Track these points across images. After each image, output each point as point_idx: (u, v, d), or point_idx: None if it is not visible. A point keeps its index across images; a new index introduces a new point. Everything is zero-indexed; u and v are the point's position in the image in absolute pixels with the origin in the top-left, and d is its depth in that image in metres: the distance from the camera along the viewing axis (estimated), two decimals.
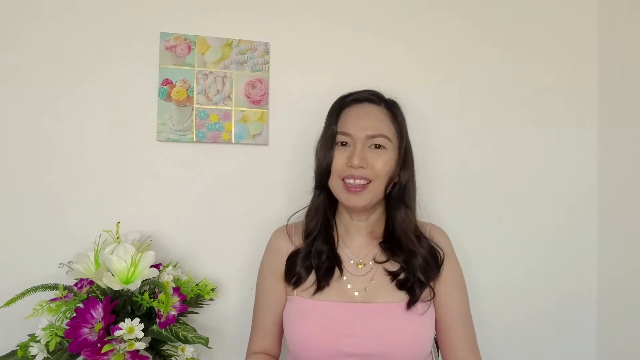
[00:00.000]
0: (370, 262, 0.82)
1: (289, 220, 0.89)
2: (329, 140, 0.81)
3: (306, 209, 0.88)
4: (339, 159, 0.79)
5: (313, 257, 0.81)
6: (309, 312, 0.78)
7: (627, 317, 1.09)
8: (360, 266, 0.82)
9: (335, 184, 0.80)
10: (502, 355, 1.12)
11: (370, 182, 0.78)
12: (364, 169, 0.77)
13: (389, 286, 0.79)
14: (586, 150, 1.19)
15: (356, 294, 0.79)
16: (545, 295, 1.16)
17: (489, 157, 1.14)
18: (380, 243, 0.84)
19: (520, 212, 1.15)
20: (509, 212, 1.15)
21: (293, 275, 0.81)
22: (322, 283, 0.79)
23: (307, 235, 0.84)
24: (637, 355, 1.06)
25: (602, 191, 1.18)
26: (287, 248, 0.85)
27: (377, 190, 0.79)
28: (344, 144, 0.80)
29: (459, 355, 0.79)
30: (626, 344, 1.10)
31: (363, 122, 0.79)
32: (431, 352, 0.83)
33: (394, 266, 0.81)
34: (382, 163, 0.78)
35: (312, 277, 0.81)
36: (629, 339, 1.09)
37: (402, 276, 0.79)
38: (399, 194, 0.81)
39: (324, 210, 0.85)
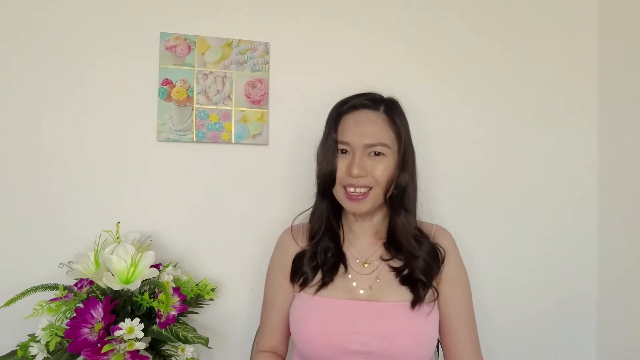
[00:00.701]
0: (376, 261, 0.82)
1: (293, 222, 0.89)
2: (330, 149, 0.80)
3: (309, 210, 0.87)
4: (340, 167, 0.79)
5: (319, 255, 0.82)
6: (315, 308, 0.78)
7: (627, 317, 1.09)
8: (365, 265, 0.82)
9: (337, 192, 0.81)
10: (502, 355, 1.13)
11: (371, 189, 0.78)
12: (364, 178, 0.77)
13: (395, 285, 0.79)
14: (586, 150, 1.19)
15: (361, 292, 0.79)
16: (545, 295, 1.16)
17: (489, 157, 1.14)
18: (384, 244, 0.84)
19: (521, 212, 1.15)
20: (509, 212, 1.15)
21: (300, 276, 0.82)
22: (326, 279, 0.80)
23: (312, 237, 0.85)
24: (637, 355, 1.06)
25: (602, 191, 1.18)
26: (293, 248, 0.86)
27: (378, 196, 0.79)
28: (344, 151, 0.80)
29: (461, 357, 0.79)
30: (626, 344, 1.10)
31: (361, 131, 0.79)
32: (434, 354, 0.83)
33: (398, 264, 0.81)
34: (382, 170, 0.78)
35: (319, 276, 0.81)
36: (629, 339, 1.09)
37: (406, 272, 0.80)
38: (398, 198, 0.81)
39: (327, 214, 0.85)
